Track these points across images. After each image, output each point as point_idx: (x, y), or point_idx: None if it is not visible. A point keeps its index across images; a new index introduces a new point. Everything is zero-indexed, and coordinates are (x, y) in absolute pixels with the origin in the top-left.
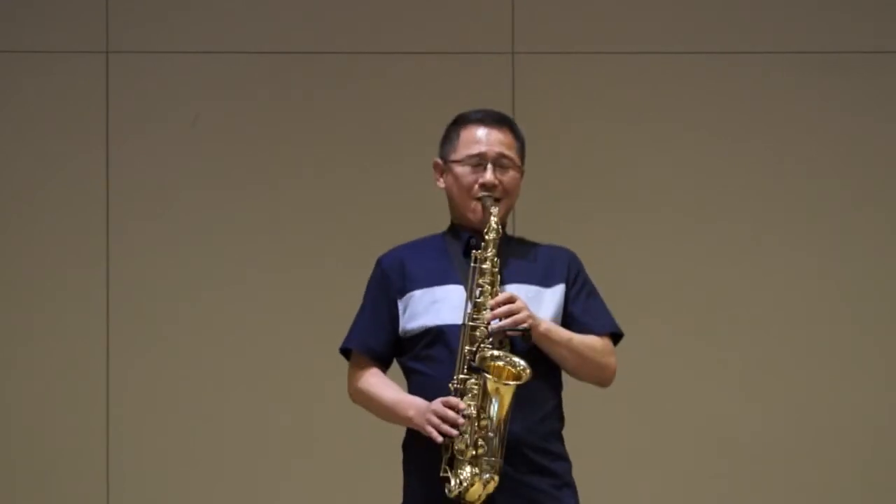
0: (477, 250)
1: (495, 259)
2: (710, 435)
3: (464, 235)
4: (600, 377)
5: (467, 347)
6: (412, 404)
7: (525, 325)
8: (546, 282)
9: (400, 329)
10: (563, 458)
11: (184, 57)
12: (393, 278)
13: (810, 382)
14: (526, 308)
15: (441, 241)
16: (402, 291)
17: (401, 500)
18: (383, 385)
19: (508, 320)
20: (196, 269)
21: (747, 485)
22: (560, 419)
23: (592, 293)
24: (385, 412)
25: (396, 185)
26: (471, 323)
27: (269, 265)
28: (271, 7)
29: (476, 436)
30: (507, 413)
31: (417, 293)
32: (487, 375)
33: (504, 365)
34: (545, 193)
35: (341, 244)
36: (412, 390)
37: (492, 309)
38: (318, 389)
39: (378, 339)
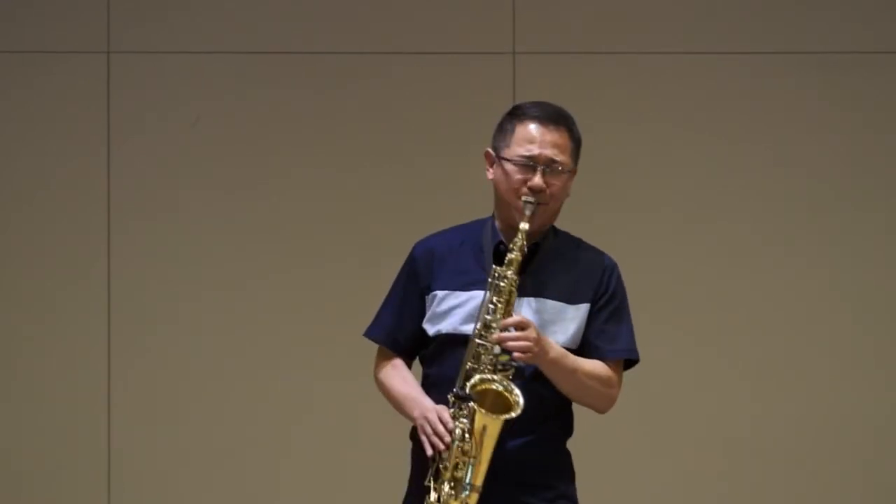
0: (500, 266)
1: (515, 278)
2: (711, 434)
3: (496, 237)
4: (598, 406)
5: (469, 364)
6: (419, 403)
7: (528, 353)
8: (573, 298)
9: (423, 324)
10: (561, 471)
11: (185, 57)
12: (422, 272)
13: (811, 382)
14: (535, 336)
15: (480, 234)
16: (429, 289)
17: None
18: (399, 379)
19: (513, 345)
20: (197, 269)
21: (748, 484)
22: (563, 433)
23: (617, 314)
24: (396, 405)
25: (397, 185)
26: (478, 340)
27: (270, 265)
28: (271, 7)
29: (458, 459)
30: (492, 442)
31: (440, 294)
32: (474, 406)
33: (499, 390)
34: None
35: (342, 244)
36: (424, 386)
37: (501, 330)
38: (320, 389)
39: (404, 333)
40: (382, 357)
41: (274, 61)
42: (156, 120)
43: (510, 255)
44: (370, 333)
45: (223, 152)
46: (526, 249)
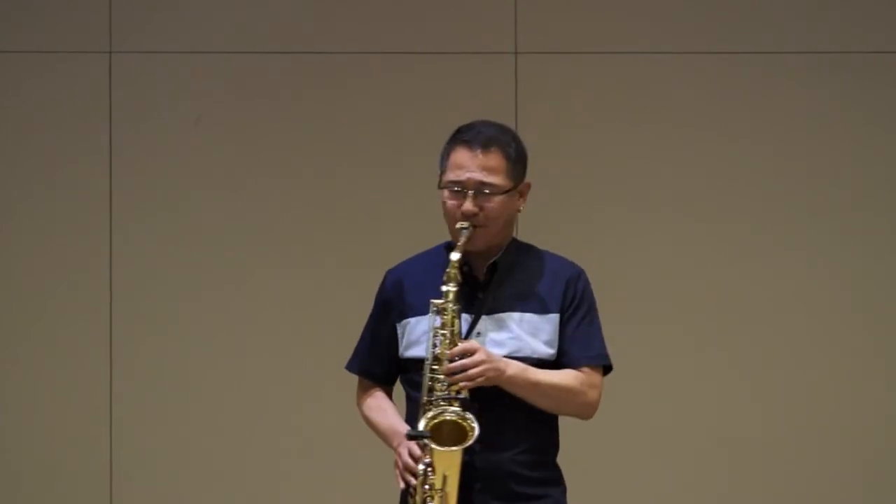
0: (438, 300)
1: (454, 308)
2: (712, 434)
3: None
4: (577, 414)
5: (425, 398)
6: (398, 435)
7: (480, 378)
8: (543, 308)
9: (399, 353)
10: (553, 482)
11: (186, 57)
12: (394, 302)
13: (812, 382)
14: (482, 359)
15: (444, 257)
16: (401, 316)
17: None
18: (379, 410)
19: (460, 376)
20: (198, 269)
21: (750, 484)
22: (551, 446)
23: (586, 319)
24: (381, 437)
25: (398, 185)
26: (429, 374)
27: (271, 265)
28: (272, 7)
29: (426, 494)
30: (456, 472)
31: (413, 321)
32: (429, 443)
33: (455, 419)
34: (547, 194)
35: (343, 244)
36: (406, 412)
37: (448, 361)
38: (321, 388)
39: (379, 363)
40: (362, 388)
41: (274, 61)
42: (157, 120)
43: (444, 287)
44: (348, 366)
45: (224, 152)
46: (460, 278)
